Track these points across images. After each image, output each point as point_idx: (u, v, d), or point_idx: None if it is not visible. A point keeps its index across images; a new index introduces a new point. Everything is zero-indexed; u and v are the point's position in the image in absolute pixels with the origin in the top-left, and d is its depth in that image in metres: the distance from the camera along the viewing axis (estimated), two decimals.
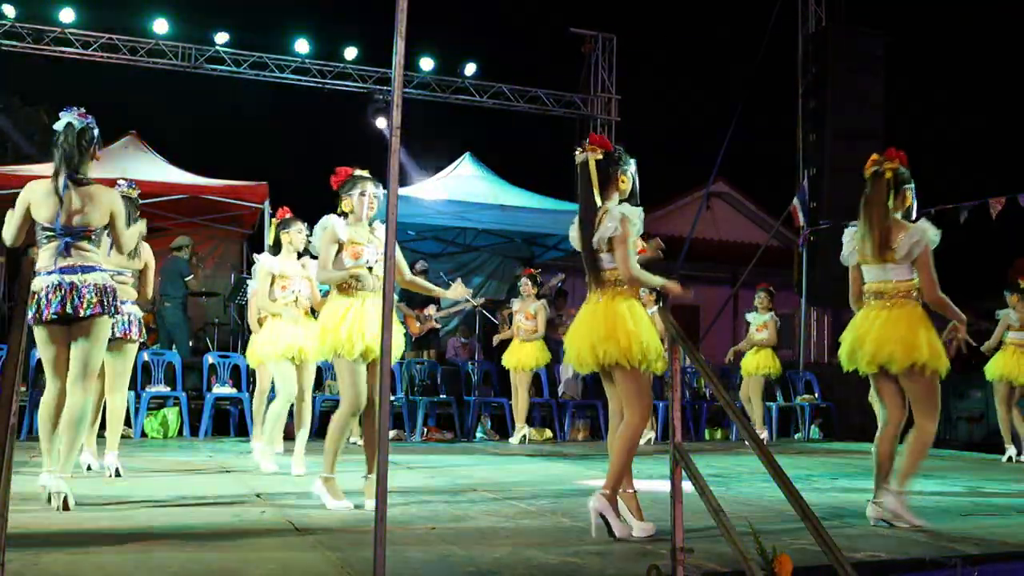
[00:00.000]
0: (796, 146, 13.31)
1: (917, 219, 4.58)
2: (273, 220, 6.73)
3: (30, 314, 4.28)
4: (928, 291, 4.44)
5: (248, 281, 8.08)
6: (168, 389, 9.18)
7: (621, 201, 4.21)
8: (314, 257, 6.66)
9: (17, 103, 17.37)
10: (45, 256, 4.42)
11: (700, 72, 19.11)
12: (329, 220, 4.80)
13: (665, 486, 3.41)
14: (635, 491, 4.11)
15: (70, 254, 4.39)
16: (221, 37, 13.24)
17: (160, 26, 12.88)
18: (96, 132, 4.57)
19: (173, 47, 13.02)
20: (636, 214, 4.10)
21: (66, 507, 4.26)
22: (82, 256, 4.42)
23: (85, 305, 4.35)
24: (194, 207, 11.48)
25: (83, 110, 4.56)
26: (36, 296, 4.33)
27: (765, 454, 3.05)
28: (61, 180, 4.42)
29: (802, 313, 13.55)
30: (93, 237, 4.48)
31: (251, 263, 12.69)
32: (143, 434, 8.92)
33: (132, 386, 8.89)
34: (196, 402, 9.34)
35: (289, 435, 6.63)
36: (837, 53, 12.75)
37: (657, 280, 4.12)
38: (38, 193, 4.44)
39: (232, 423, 9.54)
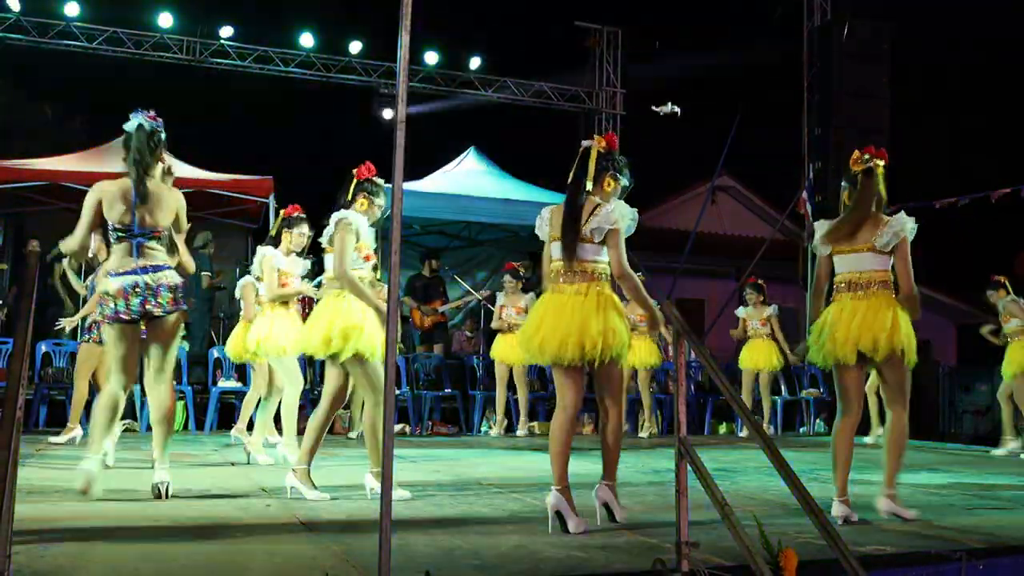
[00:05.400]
0: (801, 140, 13.29)
1: (896, 211, 4.58)
2: (281, 212, 6.73)
3: (107, 313, 4.50)
4: (906, 283, 4.45)
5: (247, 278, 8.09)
6: (173, 383, 9.20)
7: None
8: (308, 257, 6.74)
9: (22, 97, 17.37)
10: (116, 257, 4.56)
11: (705, 66, 19.04)
12: (350, 215, 4.73)
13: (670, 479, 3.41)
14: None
15: (142, 254, 4.53)
16: (226, 31, 13.24)
17: (165, 20, 12.88)
18: (163, 135, 4.67)
19: (178, 41, 13.02)
20: (631, 214, 4.11)
21: (165, 495, 4.51)
22: (152, 256, 4.56)
23: (162, 304, 4.52)
24: (199, 201, 11.41)
25: (153, 112, 4.66)
26: (111, 298, 4.49)
27: (770, 448, 3.04)
28: (135, 181, 4.53)
29: (806, 307, 13.52)
30: (160, 237, 4.62)
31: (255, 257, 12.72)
32: (149, 428, 8.93)
33: (138, 380, 8.94)
34: (201, 396, 9.36)
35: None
36: (842, 46, 12.71)
37: (645, 296, 4.13)
38: (108, 194, 4.54)
39: (237, 417, 9.54)
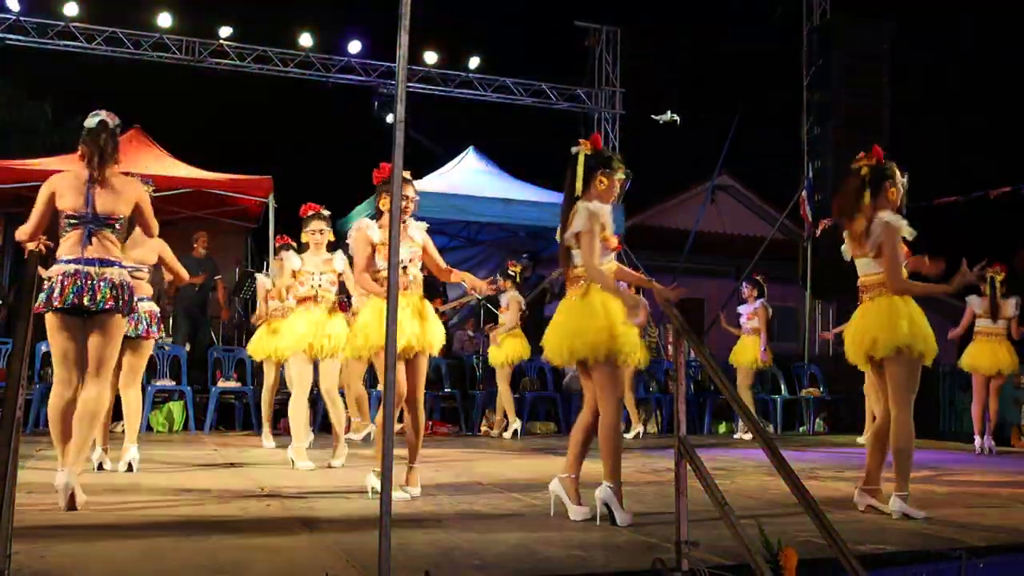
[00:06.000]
0: (801, 139, 13.29)
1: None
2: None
3: (42, 300, 4.23)
4: (890, 283, 4.50)
5: (257, 276, 8.15)
6: (173, 383, 9.21)
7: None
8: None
9: (22, 97, 17.38)
10: (67, 244, 4.34)
11: (705, 65, 19.05)
12: (362, 223, 4.90)
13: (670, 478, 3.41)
14: (576, 477, 4.29)
15: (92, 243, 4.32)
16: (225, 31, 13.23)
17: (164, 20, 12.87)
18: (118, 139, 4.55)
19: (177, 41, 13.01)
20: (604, 211, 4.16)
21: (72, 504, 4.14)
22: (104, 247, 4.36)
23: (99, 299, 4.26)
24: (198, 201, 11.48)
25: (113, 113, 4.56)
26: (50, 282, 4.26)
27: (770, 447, 3.05)
28: (90, 171, 4.38)
29: (806, 306, 13.54)
30: (117, 227, 4.43)
31: (255, 256, 12.71)
32: (148, 428, 8.94)
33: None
34: (201, 396, 9.36)
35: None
36: (842, 44, 12.71)
37: (612, 284, 4.14)
38: (63, 184, 4.40)
39: (237, 417, 9.56)
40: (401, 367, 4.75)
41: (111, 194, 4.40)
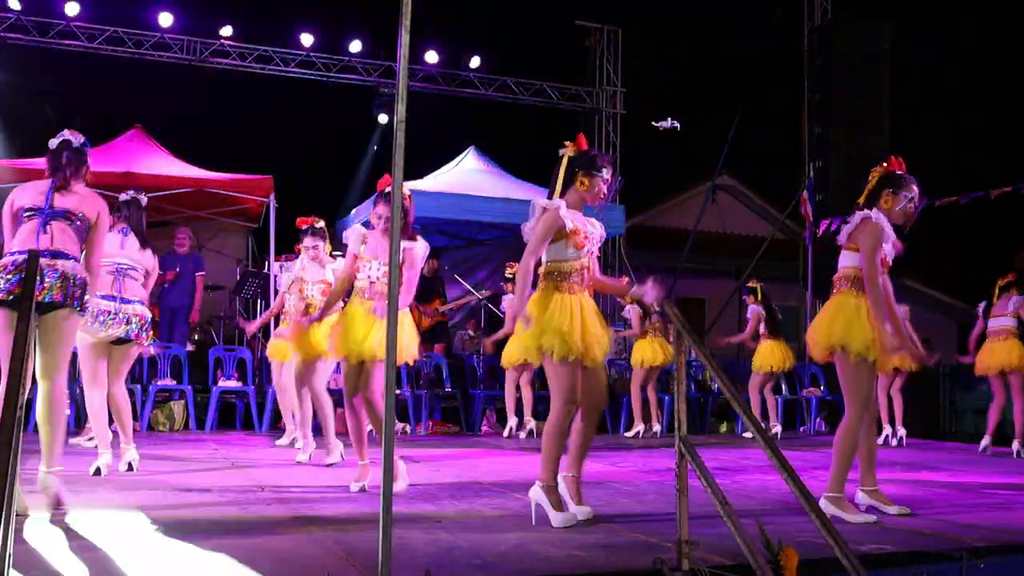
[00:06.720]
0: (802, 139, 13.30)
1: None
2: None
3: None
4: (864, 276, 4.41)
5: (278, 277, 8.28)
6: (174, 383, 9.21)
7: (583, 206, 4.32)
8: None
9: (22, 97, 17.37)
10: (20, 237, 4.17)
11: (705, 65, 19.03)
12: (350, 232, 5.12)
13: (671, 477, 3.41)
14: (574, 475, 4.37)
15: (47, 232, 4.13)
16: (226, 30, 13.24)
17: (165, 19, 12.89)
18: (88, 157, 4.48)
19: (178, 40, 13.02)
20: (561, 208, 4.16)
21: (59, 505, 4.03)
22: (60, 240, 4.15)
23: (46, 289, 3.99)
24: (199, 200, 11.49)
25: (78, 132, 4.51)
26: None
27: (770, 446, 3.04)
28: (56, 179, 4.31)
29: (807, 306, 13.54)
30: (75, 221, 4.25)
31: (256, 256, 12.72)
32: (149, 427, 8.94)
33: (139, 379, 8.94)
34: (202, 395, 9.37)
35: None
36: (843, 45, 12.72)
37: (522, 294, 4.21)
38: (23, 190, 4.31)
39: (238, 416, 9.57)
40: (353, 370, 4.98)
41: (74, 196, 4.30)
